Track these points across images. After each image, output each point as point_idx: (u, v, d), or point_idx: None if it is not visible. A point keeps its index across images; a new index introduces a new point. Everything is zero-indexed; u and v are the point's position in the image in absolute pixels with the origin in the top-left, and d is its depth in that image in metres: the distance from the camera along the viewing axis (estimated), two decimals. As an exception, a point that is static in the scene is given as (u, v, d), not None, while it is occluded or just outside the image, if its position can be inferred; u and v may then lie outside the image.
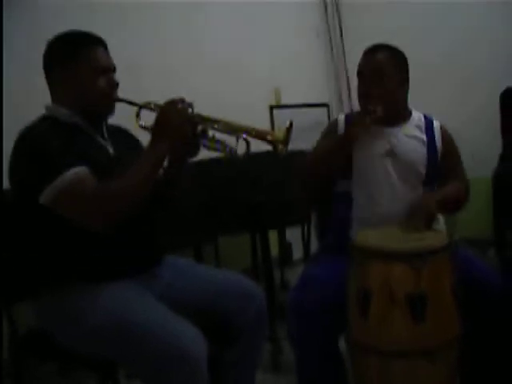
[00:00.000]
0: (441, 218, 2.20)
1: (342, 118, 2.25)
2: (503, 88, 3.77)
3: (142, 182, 1.63)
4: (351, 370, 1.97)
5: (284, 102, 4.44)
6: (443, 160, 2.18)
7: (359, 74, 2.14)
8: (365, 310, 1.78)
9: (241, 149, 1.76)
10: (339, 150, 2.10)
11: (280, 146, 1.72)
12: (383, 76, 2.08)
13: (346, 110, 4.88)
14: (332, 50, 5.01)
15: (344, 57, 4.94)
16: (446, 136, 2.21)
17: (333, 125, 2.27)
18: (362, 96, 2.13)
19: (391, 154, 2.11)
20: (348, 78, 4.86)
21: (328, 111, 4.85)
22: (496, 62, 4.16)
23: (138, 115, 1.84)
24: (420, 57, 4.41)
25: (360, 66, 2.14)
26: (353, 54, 4.81)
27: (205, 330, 1.60)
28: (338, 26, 4.99)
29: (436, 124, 2.21)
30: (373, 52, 2.13)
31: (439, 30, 4.47)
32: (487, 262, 2.14)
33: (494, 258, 3.61)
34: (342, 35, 4.97)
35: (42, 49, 1.78)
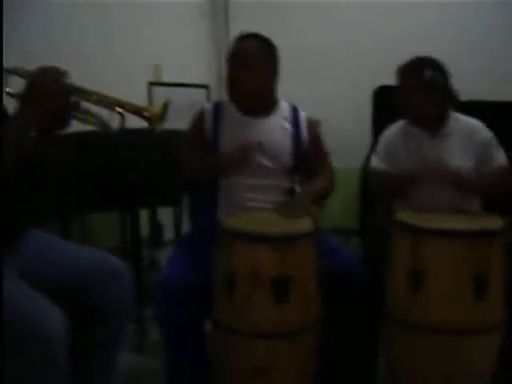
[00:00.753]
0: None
1: (208, 106, 2.24)
2: (378, 84, 3.96)
3: (5, 152, 1.52)
4: (215, 351, 1.98)
5: (164, 80, 4.35)
6: (308, 150, 2.24)
7: (228, 61, 2.13)
8: (230, 292, 1.80)
9: (116, 124, 1.69)
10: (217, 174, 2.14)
11: (156, 123, 1.68)
12: (251, 65, 2.08)
13: (225, 92, 4.87)
14: (216, 29, 4.98)
15: (228, 38, 4.92)
16: (312, 126, 2.28)
17: (200, 114, 2.24)
18: (229, 83, 2.12)
19: (260, 147, 2.13)
20: (230, 61, 4.85)
21: (207, 92, 4.83)
22: (375, 60, 4.35)
23: (2, 80, 1.71)
24: (302, 46, 4.58)
25: (229, 53, 2.14)
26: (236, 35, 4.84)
27: (67, 310, 1.53)
28: (223, 7, 4.97)
29: (302, 114, 2.26)
30: (243, 40, 2.14)
31: (320, 24, 4.61)
32: (351, 249, 2.23)
33: (357, 246, 3.80)
34: (226, 17, 4.96)
35: None
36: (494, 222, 1.91)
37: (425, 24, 4.25)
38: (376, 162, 2.36)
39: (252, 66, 2.08)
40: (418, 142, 2.28)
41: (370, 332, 2.14)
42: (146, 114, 1.68)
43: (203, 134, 2.20)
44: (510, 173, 2.23)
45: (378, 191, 2.40)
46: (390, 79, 3.97)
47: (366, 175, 3.53)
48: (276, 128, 2.19)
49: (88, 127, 1.73)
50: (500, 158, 2.23)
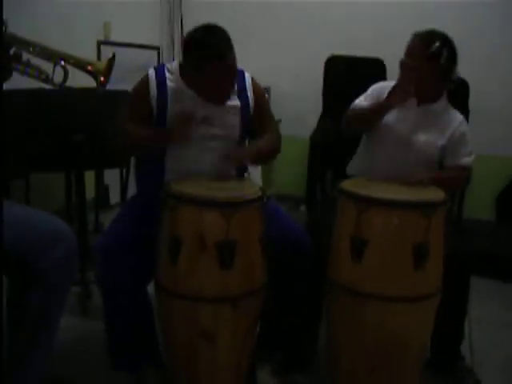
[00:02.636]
0: (258, 173, 2.28)
1: (152, 73, 2.12)
2: (330, 54, 3.97)
3: None
4: (158, 315, 1.99)
5: (114, 39, 4.24)
6: (254, 114, 2.21)
7: (202, 57, 1.96)
8: (175, 256, 1.80)
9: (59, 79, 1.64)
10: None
11: (101, 79, 1.63)
12: (228, 55, 1.97)
13: (177, 55, 4.81)
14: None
15: (180, 1, 4.83)
16: (258, 90, 2.23)
17: (144, 81, 2.12)
18: (208, 88, 2.04)
19: (206, 120, 2.08)
20: (182, 23, 4.77)
21: (158, 54, 4.74)
22: (327, 29, 4.36)
23: None
24: (258, 14, 4.54)
25: (201, 52, 1.97)
26: (189, -1, 4.75)
27: (9, 271, 1.50)
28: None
29: (248, 78, 2.21)
30: (210, 33, 1.99)
31: None
32: (298, 217, 2.26)
33: (305, 214, 3.85)
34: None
35: None
36: (436, 194, 1.97)
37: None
38: (360, 100, 2.39)
39: (228, 60, 1.98)
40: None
41: (313, 298, 2.18)
42: (89, 68, 1.63)
43: (148, 102, 2.09)
44: (469, 175, 2.34)
45: (350, 121, 2.39)
46: (342, 49, 4.01)
47: (315, 144, 3.57)
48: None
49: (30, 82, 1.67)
50: (465, 155, 2.31)
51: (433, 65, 2.18)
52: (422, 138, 2.28)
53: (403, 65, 2.24)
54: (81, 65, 1.62)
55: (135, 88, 2.17)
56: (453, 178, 2.30)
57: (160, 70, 2.14)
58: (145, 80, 2.12)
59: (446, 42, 2.21)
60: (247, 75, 2.22)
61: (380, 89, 2.36)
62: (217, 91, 2.05)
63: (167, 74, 2.13)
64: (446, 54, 2.19)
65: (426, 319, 2.02)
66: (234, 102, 2.15)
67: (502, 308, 2.99)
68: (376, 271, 1.88)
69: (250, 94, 2.19)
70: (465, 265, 2.14)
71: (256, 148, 2.16)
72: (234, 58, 1.99)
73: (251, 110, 2.19)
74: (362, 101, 2.38)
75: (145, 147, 2.11)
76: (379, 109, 2.23)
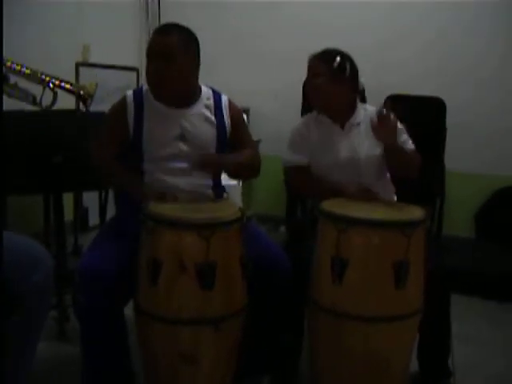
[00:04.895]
0: (238, 194, 2.27)
1: (130, 94, 2.16)
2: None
3: None
4: (138, 338, 1.97)
5: (93, 60, 4.24)
6: (232, 135, 2.23)
7: (149, 55, 2.06)
8: (154, 279, 1.79)
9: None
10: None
11: (88, 103, 1.63)
12: (175, 58, 2.02)
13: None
14: (148, 12, 4.89)
15: (159, 21, 4.84)
16: (234, 111, 2.25)
17: (121, 103, 2.16)
18: (152, 77, 2.06)
19: (182, 137, 2.12)
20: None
21: (137, 76, 4.74)
22: (302, 49, 4.38)
23: None
24: (236, 36, 4.57)
25: (150, 46, 2.06)
26: (169, 18, 4.75)
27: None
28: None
29: (224, 99, 2.24)
30: (163, 33, 2.06)
31: (255, 15, 4.61)
32: (278, 237, 2.26)
33: (285, 234, 3.85)
34: (159, -1, 4.89)
35: None
36: (415, 213, 1.98)
37: (360, 21, 4.37)
38: (289, 156, 2.37)
39: (175, 63, 2.02)
40: (328, 131, 2.32)
41: (295, 320, 2.17)
42: (82, 92, 1.64)
43: (125, 124, 2.11)
44: (418, 156, 2.29)
45: (293, 189, 2.40)
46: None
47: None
48: (198, 118, 2.16)
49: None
50: (408, 143, 2.30)
51: (340, 79, 2.22)
52: (363, 156, 2.27)
53: (311, 87, 2.26)
54: (74, 89, 1.62)
55: (112, 109, 2.19)
56: (407, 155, 2.25)
57: (138, 92, 2.18)
58: (122, 101, 2.15)
59: (344, 55, 2.25)
60: (224, 97, 2.25)
61: (298, 134, 2.37)
62: (160, 76, 2.03)
63: (144, 95, 2.15)
64: (349, 66, 2.23)
65: (408, 338, 2.02)
66: (210, 115, 2.18)
67: (483, 325, 3.01)
68: (357, 291, 1.88)
69: (225, 114, 2.21)
70: (445, 282, 2.15)
71: (234, 158, 2.16)
72: (180, 55, 2.02)
73: (227, 131, 2.21)
74: (292, 159, 2.35)
75: (117, 188, 2.11)
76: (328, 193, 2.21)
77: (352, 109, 2.33)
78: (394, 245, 1.86)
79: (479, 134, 4.19)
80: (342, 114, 2.31)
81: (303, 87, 2.25)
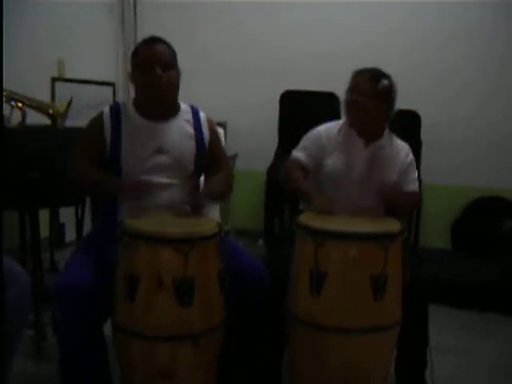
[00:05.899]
0: (216, 208, 2.27)
1: (107, 109, 2.17)
2: (285, 89, 4.05)
3: None
4: (116, 355, 1.94)
5: (68, 75, 4.21)
6: (209, 150, 2.24)
7: (145, 64, 2.06)
8: (132, 295, 1.77)
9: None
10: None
11: (59, 121, 1.63)
12: (172, 66, 2.08)
13: (132, 91, 4.80)
14: (124, 27, 4.88)
15: (135, 36, 4.84)
16: (212, 127, 2.28)
17: (98, 118, 2.15)
18: (149, 85, 2.07)
19: (161, 151, 2.12)
20: (137, 59, 4.77)
21: (114, 90, 4.73)
22: (282, 64, 4.43)
23: None
24: (211, 48, 4.59)
25: (145, 56, 2.08)
26: (145, 33, 4.75)
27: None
28: (132, 4, 4.87)
29: (202, 115, 2.26)
30: (156, 42, 2.11)
31: (230, 28, 4.64)
32: (256, 252, 2.25)
33: (263, 248, 3.85)
34: (135, 13, 4.87)
35: None
36: (392, 226, 1.99)
37: (337, 27, 4.42)
38: (300, 153, 2.39)
39: (173, 70, 2.09)
40: (352, 144, 2.35)
41: (273, 333, 2.17)
42: (50, 111, 1.63)
43: (102, 138, 2.11)
44: (418, 200, 2.44)
45: (288, 183, 2.41)
46: (296, 84, 4.08)
47: (272, 178, 3.60)
48: (177, 132, 2.17)
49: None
50: (414, 182, 2.40)
51: (382, 102, 2.25)
52: (376, 178, 2.32)
53: (354, 103, 2.28)
54: (42, 108, 1.62)
55: (90, 124, 2.18)
56: (404, 202, 2.35)
57: (115, 107, 2.18)
58: (99, 116, 2.15)
59: (391, 80, 2.29)
60: (201, 113, 2.27)
61: (315, 138, 2.40)
62: (153, 83, 2.05)
63: (122, 110, 2.16)
64: (393, 92, 2.27)
65: (387, 350, 2.03)
66: (190, 129, 2.19)
67: (461, 335, 3.03)
68: (335, 304, 1.89)
69: (204, 129, 2.23)
70: (422, 293, 2.16)
71: (212, 190, 2.15)
72: (173, 64, 2.08)
73: (206, 145, 2.22)
74: (299, 155, 2.39)
75: (94, 191, 2.09)
76: (308, 198, 2.25)
77: (381, 133, 2.37)
78: (371, 257, 1.87)
79: (455, 147, 4.25)
80: (371, 134, 2.34)
81: (346, 97, 2.29)
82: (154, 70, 2.04)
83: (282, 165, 2.44)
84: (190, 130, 2.20)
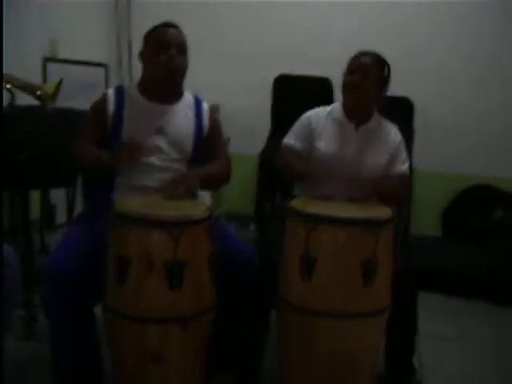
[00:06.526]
0: (207, 193, 2.27)
1: (110, 91, 2.20)
2: (278, 73, 4.02)
3: None
4: (107, 336, 1.94)
5: (61, 56, 4.17)
6: (207, 142, 2.26)
7: (162, 45, 2.12)
8: (122, 277, 1.77)
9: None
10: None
11: (48, 102, 1.61)
12: (186, 50, 2.17)
13: (125, 72, 4.78)
14: (117, 8, 4.84)
15: (128, 18, 4.80)
16: (213, 120, 2.31)
17: (101, 100, 2.18)
18: (166, 65, 2.11)
19: (161, 131, 2.15)
20: (130, 40, 4.74)
21: (106, 72, 4.69)
22: (276, 49, 4.41)
23: None
24: (209, 33, 4.56)
25: (164, 38, 2.13)
26: (138, 15, 4.73)
27: None
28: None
29: (205, 106, 2.30)
30: (173, 26, 2.18)
31: (228, 13, 4.61)
32: (247, 236, 2.26)
33: (254, 233, 3.85)
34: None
35: None
36: (384, 212, 2.00)
37: (329, 20, 4.38)
38: (293, 140, 2.41)
39: (186, 55, 2.17)
40: (341, 129, 2.37)
41: (263, 319, 2.18)
42: (38, 93, 1.62)
43: (105, 120, 2.14)
44: (407, 182, 2.43)
45: (284, 172, 2.42)
46: (290, 68, 4.07)
47: (264, 161, 3.60)
48: (179, 116, 2.21)
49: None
50: (404, 162, 2.40)
51: (380, 88, 2.29)
52: (367, 160, 2.34)
53: (353, 83, 2.28)
54: (30, 89, 1.60)
55: (93, 106, 2.21)
56: (391, 187, 2.35)
57: (118, 88, 2.22)
58: (103, 98, 2.18)
59: (388, 64, 2.32)
60: (205, 104, 2.30)
61: (304, 122, 2.41)
62: (167, 62, 2.10)
63: (126, 92, 2.20)
64: (389, 74, 2.31)
65: (376, 335, 2.04)
66: (191, 114, 2.23)
67: (449, 322, 3.06)
68: (326, 289, 1.89)
69: (205, 117, 2.26)
70: (412, 280, 2.18)
71: (205, 172, 2.18)
72: (182, 37, 2.17)
73: (204, 132, 2.25)
74: (292, 142, 2.40)
75: (97, 167, 2.10)
76: (307, 174, 2.29)
77: (370, 115, 2.38)
78: (362, 243, 1.87)
79: (446, 134, 4.25)
80: (362, 116, 2.37)
81: (343, 80, 2.31)
82: (169, 50, 2.10)
83: (278, 153, 2.44)
84: (191, 115, 2.23)
